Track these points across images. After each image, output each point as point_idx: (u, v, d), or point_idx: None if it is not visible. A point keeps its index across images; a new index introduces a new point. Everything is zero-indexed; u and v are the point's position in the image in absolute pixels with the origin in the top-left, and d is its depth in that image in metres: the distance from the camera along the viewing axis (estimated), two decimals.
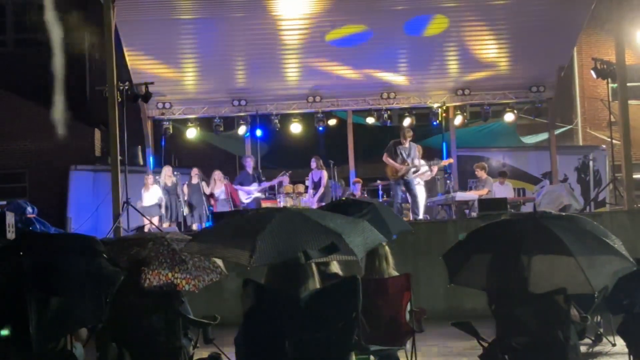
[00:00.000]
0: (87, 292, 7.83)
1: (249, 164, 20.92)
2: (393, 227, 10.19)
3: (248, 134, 22.72)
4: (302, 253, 7.36)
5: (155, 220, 19.50)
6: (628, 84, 18.84)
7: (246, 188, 20.56)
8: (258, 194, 20.58)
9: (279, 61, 21.51)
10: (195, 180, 20.51)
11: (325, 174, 20.67)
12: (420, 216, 18.77)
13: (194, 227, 19.94)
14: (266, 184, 20.89)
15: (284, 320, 7.19)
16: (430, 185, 21.04)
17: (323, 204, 18.83)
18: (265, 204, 20.25)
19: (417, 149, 18.95)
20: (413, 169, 18.63)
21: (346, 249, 7.48)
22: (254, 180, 20.67)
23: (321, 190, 20.51)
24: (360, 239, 7.73)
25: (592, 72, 19.56)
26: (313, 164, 20.66)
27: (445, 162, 20.35)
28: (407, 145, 18.72)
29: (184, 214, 20.15)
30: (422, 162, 19.23)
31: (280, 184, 20.98)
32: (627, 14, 18.57)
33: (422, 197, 19.46)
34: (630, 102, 18.77)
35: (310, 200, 20.26)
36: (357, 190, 21.07)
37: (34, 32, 28.84)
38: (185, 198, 20.24)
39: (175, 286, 9.50)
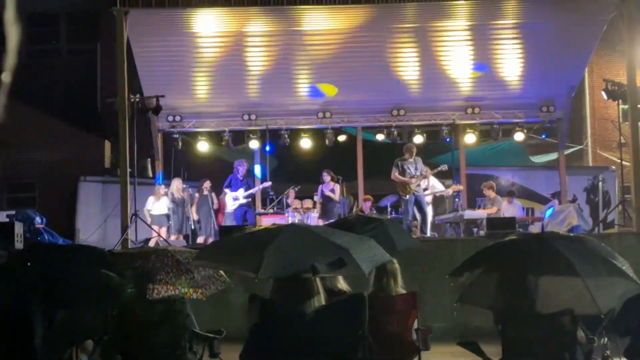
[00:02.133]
0: (93, 304, 7.85)
1: (241, 170, 20.90)
2: (400, 244, 10.18)
3: (258, 148, 22.72)
4: (309, 267, 7.36)
5: (163, 231, 19.52)
6: (639, 106, 18.81)
7: (233, 193, 20.56)
8: (244, 201, 20.56)
9: (289, 77, 21.54)
10: (205, 193, 20.55)
11: (338, 187, 20.73)
12: (428, 234, 18.78)
13: (200, 240, 19.96)
14: (253, 191, 20.89)
15: (290, 336, 7.18)
16: (438, 203, 21.05)
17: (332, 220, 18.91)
18: (270, 219, 20.26)
19: (423, 164, 19.13)
20: (423, 179, 18.79)
21: (353, 264, 7.49)
22: (242, 186, 20.65)
23: (335, 202, 20.59)
24: (368, 256, 7.75)
25: (603, 93, 19.53)
26: (326, 178, 20.72)
27: (456, 188, 20.45)
28: (411, 159, 18.87)
29: (192, 227, 20.17)
30: (434, 178, 19.38)
31: (286, 195, 21.01)
32: (638, 35, 18.55)
33: (430, 216, 19.52)
34: None
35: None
36: (366, 207, 21.10)
37: (45, 43, 29.04)
38: (194, 210, 20.29)
39: (182, 299, 9.50)
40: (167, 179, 21.51)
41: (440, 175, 20.50)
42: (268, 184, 21.23)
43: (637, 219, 17.47)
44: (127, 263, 9.44)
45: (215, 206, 20.58)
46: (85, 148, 25.45)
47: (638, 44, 18.83)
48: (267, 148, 22.82)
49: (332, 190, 20.70)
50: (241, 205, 20.56)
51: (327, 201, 20.73)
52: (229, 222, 20.57)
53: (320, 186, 20.93)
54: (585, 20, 19.83)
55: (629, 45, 18.23)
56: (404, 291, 9.32)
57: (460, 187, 21.09)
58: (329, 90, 21.76)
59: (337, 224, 11.40)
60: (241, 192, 20.49)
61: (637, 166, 17.72)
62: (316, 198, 20.97)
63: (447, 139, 22.49)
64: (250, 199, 20.95)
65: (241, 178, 20.75)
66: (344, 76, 21.38)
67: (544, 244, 7.90)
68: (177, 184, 20.55)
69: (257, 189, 21.15)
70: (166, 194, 20.30)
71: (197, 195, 20.60)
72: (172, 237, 19.51)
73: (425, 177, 19.17)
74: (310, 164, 23.01)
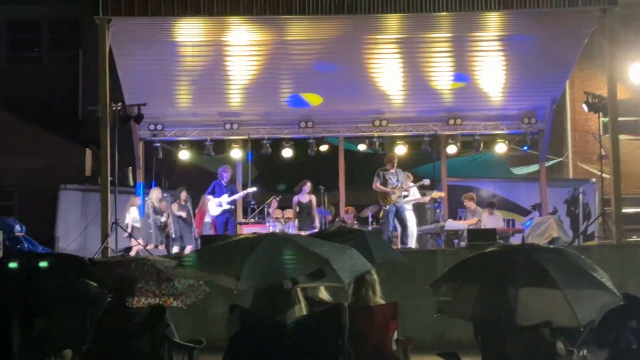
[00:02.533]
0: (72, 313, 7.80)
1: (225, 176, 20.86)
2: (378, 256, 10.18)
3: (240, 157, 22.68)
4: (289, 278, 7.35)
5: (140, 240, 19.45)
6: (619, 119, 18.91)
7: (217, 199, 20.52)
8: (228, 206, 20.52)
9: (272, 86, 21.54)
10: (183, 203, 20.53)
11: (314, 198, 20.73)
12: (412, 245, 18.83)
13: (176, 249, 19.91)
14: (237, 197, 20.86)
15: (270, 346, 7.17)
16: (419, 214, 21.07)
17: (315, 230, 18.92)
18: (251, 229, 20.22)
19: (405, 175, 19.14)
20: (404, 192, 18.80)
21: (333, 275, 7.48)
22: (226, 192, 20.61)
23: (313, 213, 20.58)
24: (348, 266, 7.74)
25: (584, 106, 19.60)
26: (306, 188, 20.70)
27: (437, 195, 20.45)
28: (393, 170, 18.92)
29: (172, 237, 20.12)
30: (412, 184, 19.40)
31: (268, 205, 20.97)
32: (619, 49, 18.65)
33: (413, 225, 19.53)
34: (620, 136, 18.83)
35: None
36: (348, 218, 21.11)
37: (26, 50, 28.94)
38: (175, 216, 20.26)
39: (162, 308, 9.47)
40: (148, 189, 21.46)
41: (422, 187, 20.51)
42: (253, 189, 21.15)
43: (617, 232, 17.53)
44: (107, 272, 9.42)
45: (192, 216, 20.56)
46: (66, 156, 25.32)
47: (619, 57, 18.94)
48: (249, 157, 22.79)
49: (310, 202, 20.64)
50: (224, 212, 20.48)
51: (304, 212, 20.64)
52: (208, 231, 20.53)
53: (297, 196, 20.87)
54: (567, 33, 19.92)
55: (610, 59, 18.32)
56: (383, 302, 9.33)
57: (442, 194, 21.12)
58: (314, 99, 21.78)
59: (318, 234, 11.41)
60: (225, 198, 20.44)
61: (617, 179, 17.79)
62: (288, 211, 20.88)
63: (430, 150, 22.53)
64: (233, 206, 20.88)
65: (225, 184, 20.71)
66: (326, 86, 21.40)
67: (524, 256, 7.93)
68: (156, 193, 20.53)
69: (242, 194, 21.07)
70: (143, 204, 20.28)
71: (174, 205, 20.56)
72: (150, 246, 19.44)
73: (406, 190, 19.21)
74: (292, 173, 22.99)
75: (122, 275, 9.38)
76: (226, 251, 8.04)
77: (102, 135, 17.90)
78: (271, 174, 24.55)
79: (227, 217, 20.56)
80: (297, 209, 20.75)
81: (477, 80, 21.42)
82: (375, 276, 9.31)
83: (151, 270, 9.51)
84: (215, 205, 20.44)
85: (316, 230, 19.52)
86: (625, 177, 18.94)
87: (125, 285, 9.31)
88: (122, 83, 20.55)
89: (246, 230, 20.24)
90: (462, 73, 21.14)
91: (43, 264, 8.15)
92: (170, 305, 9.53)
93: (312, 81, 21.33)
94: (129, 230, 19.38)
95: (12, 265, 7.73)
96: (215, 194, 20.55)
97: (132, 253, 18.41)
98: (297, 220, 20.65)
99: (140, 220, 20.37)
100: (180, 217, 20.37)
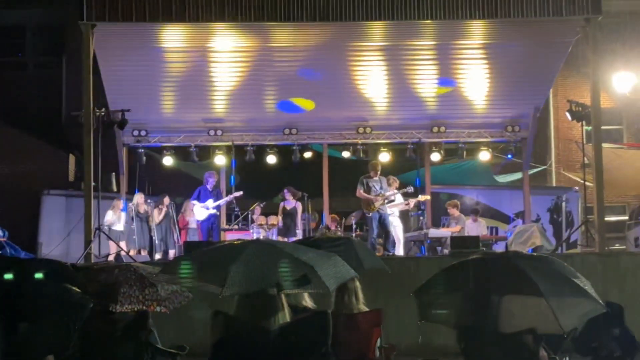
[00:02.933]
0: (55, 318, 7.77)
1: (211, 181, 20.84)
2: (366, 263, 10.20)
3: (224, 164, 22.66)
4: (273, 284, 7.35)
5: (123, 245, 19.39)
6: (602, 127, 18.98)
7: (202, 204, 20.50)
8: (213, 211, 20.49)
9: (256, 93, 21.53)
10: (166, 208, 20.51)
11: (300, 205, 20.71)
12: (399, 251, 18.84)
13: (158, 255, 19.86)
14: (222, 202, 20.83)
15: (253, 353, 7.16)
16: (403, 221, 21.08)
17: (297, 237, 18.89)
18: (235, 235, 20.21)
19: (388, 181, 19.16)
20: (387, 200, 18.80)
21: (318, 281, 7.48)
22: (210, 197, 20.59)
23: (296, 220, 20.56)
24: (332, 272, 7.75)
25: (567, 114, 19.67)
26: (288, 195, 20.68)
27: (423, 198, 20.44)
28: (376, 178, 18.92)
29: (155, 242, 20.08)
30: (396, 191, 19.39)
31: (252, 212, 20.95)
32: (602, 57, 18.74)
33: (400, 231, 19.55)
34: (603, 145, 18.90)
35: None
36: (332, 225, 21.11)
37: (9, 55, 28.86)
38: (156, 225, 20.22)
39: (145, 314, 9.45)
40: (131, 194, 21.43)
41: (405, 195, 20.49)
42: (239, 193, 21.11)
43: (600, 240, 17.59)
44: (91, 277, 9.39)
45: (177, 222, 20.53)
46: (49, 161, 25.24)
47: (602, 66, 19.02)
48: (233, 164, 22.77)
49: (294, 208, 20.64)
50: (210, 216, 20.44)
51: (288, 219, 20.63)
52: (192, 237, 20.50)
53: (282, 203, 20.87)
54: (551, 41, 19.98)
55: (593, 67, 18.40)
56: (366, 308, 9.33)
57: (427, 197, 21.10)
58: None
59: (304, 241, 11.40)
60: (210, 203, 20.42)
61: (599, 187, 17.85)
62: (272, 218, 20.84)
63: (414, 157, 22.57)
64: (218, 212, 20.85)
65: (210, 189, 20.69)
66: (310, 93, 21.41)
67: (508, 263, 7.95)
68: (138, 198, 20.51)
69: (227, 198, 21.02)
70: (126, 209, 20.24)
71: (157, 210, 20.52)
72: (132, 252, 19.38)
73: (391, 200, 19.19)
74: (275, 180, 22.98)
75: (106, 281, 9.36)
76: (211, 257, 8.03)
77: (85, 140, 17.84)
78: (255, 181, 24.51)
79: (212, 222, 20.51)
80: (281, 215, 20.71)
81: (461, 88, 21.47)
82: (358, 283, 9.31)
83: (135, 276, 9.49)
84: (200, 209, 20.41)
85: (298, 237, 19.56)
86: (608, 185, 19.02)
87: (109, 291, 9.28)
88: (106, 88, 20.50)
89: (230, 237, 20.21)
90: (448, 78, 21.18)
91: (27, 270, 8.13)
92: (154, 311, 9.51)
93: (296, 88, 21.33)
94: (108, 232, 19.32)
95: (8, 276, 7.68)
96: (201, 199, 20.52)
97: (111, 258, 18.34)
98: (280, 225, 20.63)
99: (123, 225, 20.29)
100: (162, 222, 20.35)
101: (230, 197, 21.02)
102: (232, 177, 22.52)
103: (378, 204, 18.69)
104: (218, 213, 20.82)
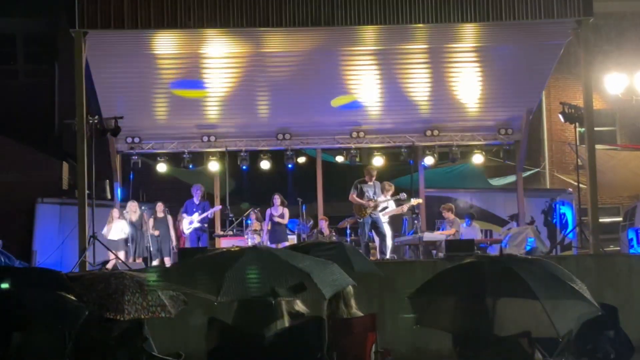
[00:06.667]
0: (49, 327, 7.76)
1: (197, 193, 20.86)
2: (357, 266, 10.19)
3: (217, 170, 22.66)
4: (270, 291, 7.35)
5: (121, 254, 19.38)
6: (595, 129, 19.00)
7: (189, 217, 20.50)
8: (198, 224, 20.48)
9: (249, 98, 21.53)
10: (160, 215, 20.49)
11: (287, 211, 20.66)
12: (388, 255, 18.80)
13: (156, 262, 19.83)
14: (206, 214, 20.81)
15: (249, 359, 7.16)
16: (397, 225, 21.07)
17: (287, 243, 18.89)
18: (229, 241, 20.19)
19: (384, 187, 19.11)
20: (380, 206, 18.76)
21: (314, 289, 7.48)
22: (197, 210, 20.60)
23: (284, 226, 20.55)
24: (329, 280, 7.75)
25: (560, 116, 19.67)
26: (276, 201, 20.63)
27: (415, 202, 20.41)
28: (371, 183, 18.87)
29: (150, 249, 20.06)
30: (389, 197, 19.35)
31: (246, 217, 20.94)
32: (595, 59, 18.76)
33: (389, 236, 19.51)
34: (597, 146, 18.92)
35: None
36: (323, 227, 21.08)
37: (1, 63, 28.83)
38: (151, 232, 20.20)
39: (140, 322, 9.43)
40: (125, 201, 21.41)
41: (398, 201, 20.46)
42: (218, 207, 21.24)
43: (594, 241, 17.61)
44: (88, 287, 9.36)
45: (173, 228, 20.52)
46: (43, 169, 25.20)
47: (594, 67, 19.04)
48: (227, 169, 22.77)
49: (282, 215, 20.58)
50: (195, 229, 20.47)
51: (275, 225, 20.58)
52: (188, 244, 20.49)
53: (269, 210, 20.80)
54: (543, 44, 20.01)
55: (585, 69, 18.42)
56: (360, 313, 9.32)
57: (420, 200, 21.08)
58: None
59: (295, 247, 11.41)
60: (196, 216, 20.45)
61: (593, 189, 17.86)
62: (263, 224, 20.83)
63: (411, 162, 22.56)
64: (205, 223, 20.83)
65: (197, 202, 20.71)
66: (303, 98, 21.40)
67: (503, 267, 7.94)
68: (131, 206, 20.48)
69: (210, 212, 21.00)
70: (124, 217, 20.20)
71: (152, 218, 20.51)
72: (129, 260, 19.36)
73: (384, 207, 19.16)
74: (269, 185, 22.96)
75: (106, 290, 9.32)
76: (208, 264, 8.03)
77: (79, 148, 17.82)
78: (249, 187, 24.51)
79: (199, 234, 20.54)
80: (269, 222, 20.66)
81: (454, 91, 21.48)
82: (350, 288, 9.29)
83: (133, 284, 9.47)
84: (187, 223, 20.47)
85: (287, 243, 19.58)
86: (601, 187, 19.05)
87: (111, 300, 9.25)
88: (99, 96, 20.50)
89: (224, 243, 20.22)
90: (437, 84, 21.20)
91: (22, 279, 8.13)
92: (159, 317, 9.47)
93: (289, 93, 21.29)
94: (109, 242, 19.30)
95: (2, 285, 7.67)
96: (188, 212, 20.57)
97: (109, 266, 18.35)
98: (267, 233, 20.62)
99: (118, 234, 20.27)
100: (157, 229, 20.33)
101: (210, 211, 21.03)
102: (226, 185, 22.54)
103: (370, 210, 18.63)
104: (205, 225, 20.81)
